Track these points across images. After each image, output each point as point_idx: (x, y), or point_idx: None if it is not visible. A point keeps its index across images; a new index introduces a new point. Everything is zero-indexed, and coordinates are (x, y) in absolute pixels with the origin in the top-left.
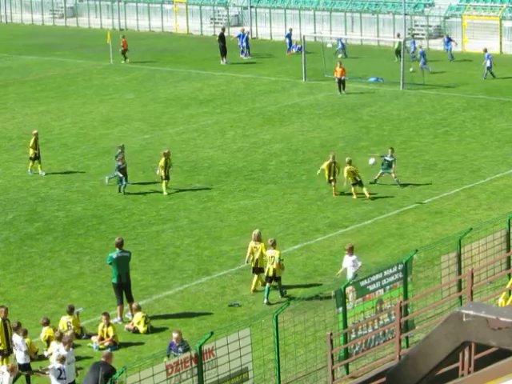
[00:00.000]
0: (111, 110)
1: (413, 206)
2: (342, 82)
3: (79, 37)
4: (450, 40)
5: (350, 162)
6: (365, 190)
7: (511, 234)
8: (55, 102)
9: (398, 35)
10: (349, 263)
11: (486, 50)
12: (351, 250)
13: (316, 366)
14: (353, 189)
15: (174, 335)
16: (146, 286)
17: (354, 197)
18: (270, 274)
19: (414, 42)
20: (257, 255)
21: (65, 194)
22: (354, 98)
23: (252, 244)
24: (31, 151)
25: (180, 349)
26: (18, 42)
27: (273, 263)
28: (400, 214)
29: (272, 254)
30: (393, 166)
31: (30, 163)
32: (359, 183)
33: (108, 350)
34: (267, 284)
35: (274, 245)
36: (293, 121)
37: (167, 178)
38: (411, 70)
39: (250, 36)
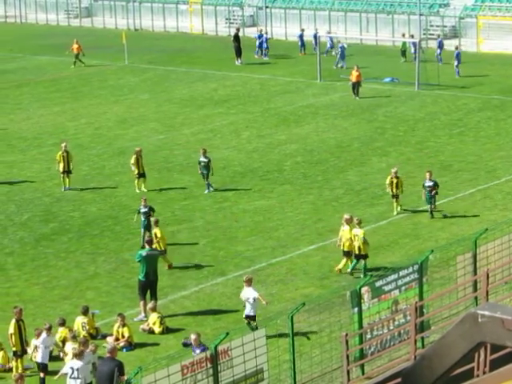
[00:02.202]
0: (126, 111)
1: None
2: (356, 86)
3: (94, 37)
4: (442, 44)
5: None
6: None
7: None
8: (70, 103)
9: (403, 35)
10: (245, 295)
11: (457, 48)
12: (248, 282)
13: (331, 366)
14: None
15: (193, 337)
16: (161, 287)
17: None
18: (356, 251)
19: (330, 39)
20: (343, 239)
21: (80, 194)
22: (369, 98)
23: (341, 228)
24: (61, 166)
25: (198, 350)
26: (33, 42)
27: (357, 241)
28: (415, 214)
29: (356, 233)
30: (436, 196)
31: (62, 179)
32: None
33: (111, 345)
34: (354, 260)
35: (359, 224)
36: (308, 121)
37: (142, 175)
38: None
39: (267, 37)
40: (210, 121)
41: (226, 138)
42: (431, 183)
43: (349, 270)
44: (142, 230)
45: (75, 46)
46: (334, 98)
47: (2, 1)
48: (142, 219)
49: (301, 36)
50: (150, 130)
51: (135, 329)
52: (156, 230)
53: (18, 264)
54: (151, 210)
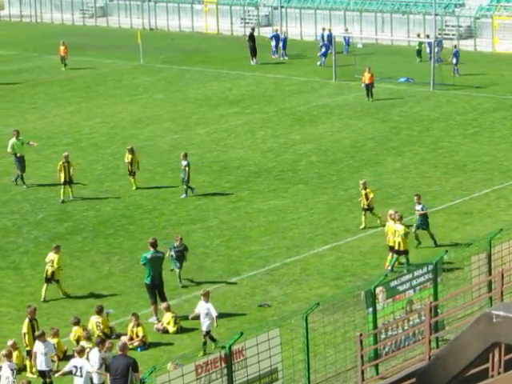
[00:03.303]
0: (141, 110)
1: (442, 207)
2: (369, 88)
3: (109, 36)
4: (441, 44)
5: None
6: None
7: None
8: (85, 102)
9: (419, 35)
10: (203, 310)
11: (455, 46)
12: (207, 296)
13: (346, 366)
14: None
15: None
16: (175, 286)
17: None
18: (396, 247)
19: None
20: (389, 234)
21: (94, 193)
22: (384, 98)
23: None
24: (61, 176)
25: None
26: (48, 41)
27: (398, 237)
28: (430, 214)
29: (397, 229)
30: (427, 215)
31: (62, 189)
32: None
33: (122, 341)
34: (394, 255)
35: (400, 219)
36: (323, 121)
37: (133, 173)
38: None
39: (283, 36)
40: (225, 120)
41: (241, 137)
42: (419, 207)
43: (389, 267)
44: (177, 270)
45: (62, 48)
46: (349, 97)
47: (18, 0)
48: (174, 257)
49: (322, 36)
50: (164, 130)
51: (149, 328)
52: (54, 257)
53: (32, 263)
54: (186, 249)
